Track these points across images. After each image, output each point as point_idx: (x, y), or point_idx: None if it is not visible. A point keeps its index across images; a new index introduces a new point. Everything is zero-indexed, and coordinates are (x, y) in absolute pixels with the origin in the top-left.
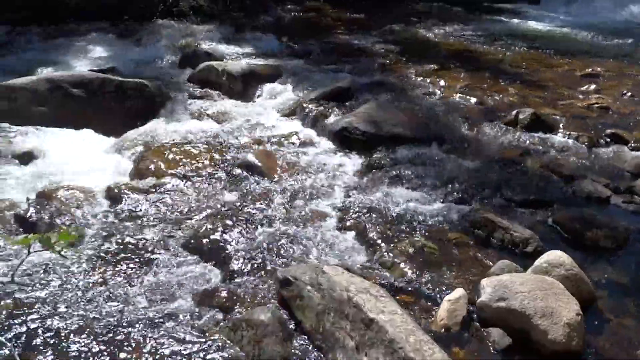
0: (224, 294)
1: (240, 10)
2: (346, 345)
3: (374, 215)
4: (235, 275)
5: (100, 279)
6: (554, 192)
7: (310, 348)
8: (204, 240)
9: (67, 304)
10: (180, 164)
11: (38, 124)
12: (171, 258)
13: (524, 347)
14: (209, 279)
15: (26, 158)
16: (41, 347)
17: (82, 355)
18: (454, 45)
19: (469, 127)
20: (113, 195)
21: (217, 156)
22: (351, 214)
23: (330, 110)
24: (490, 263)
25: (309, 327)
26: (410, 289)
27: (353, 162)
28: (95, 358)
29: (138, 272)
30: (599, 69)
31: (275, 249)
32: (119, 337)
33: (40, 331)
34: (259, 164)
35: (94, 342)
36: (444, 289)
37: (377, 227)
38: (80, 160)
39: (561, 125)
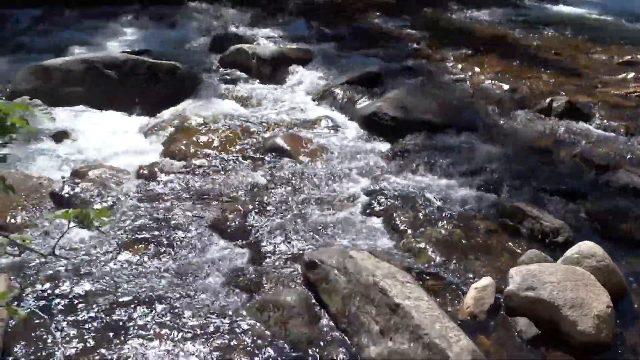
0: (250, 274)
1: None
2: (371, 330)
3: (401, 201)
4: (262, 257)
5: (130, 257)
6: (587, 182)
7: (335, 331)
8: (232, 222)
9: (98, 279)
10: (209, 145)
11: (72, 104)
12: (199, 238)
13: (551, 338)
14: (236, 259)
15: (61, 137)
16: (73, 319)
17: (110, 328)
18: (486, 31)
19: (500, 115)
20: (144, 175)
21: (245, 139)
22: (379, 199)
23: (359, 95)
24: (519, 252)
25: (334, 310)
26: (436, 275)
27: (381, 148)
28: (123, 332)
29: (167, 250)
30: (638, 56)
31: (301, 232)
32: (146, 314)
33: (73, 304)
34: (287, 147)
35: (122, 317)
36: (470, 276)
37: (405, 213)
38: (113, 140)
39: (597, 114)
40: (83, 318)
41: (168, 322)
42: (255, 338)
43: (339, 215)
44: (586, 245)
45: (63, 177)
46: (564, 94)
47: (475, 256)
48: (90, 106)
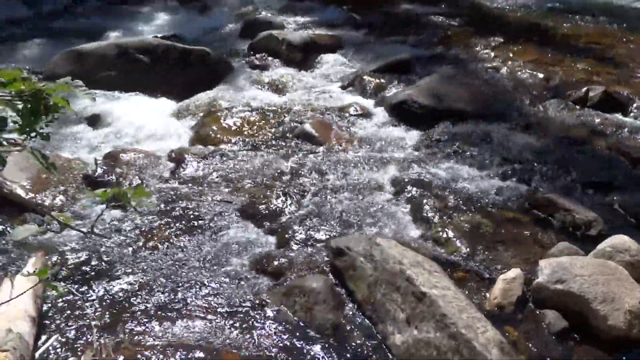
0: (277, 259)
1: None
2: (397, 318)
3: (429, 190)
4: (289, 242)
5: (159, 238)
6: (622, 175)
7: (360, 318)
8: (260, 207)
9: (129, 259)
10: (239, 131)
11: (105, 88)
12: (227, 222)
13: (580, 331)
14: (263, 244)
15: (94, 120)
16: (104, 297)
17: (139, 307)
18: (521, 17)
19: (534, 104)
20: (174, 160)
21: (274, 125)
22: (407, 187)
23: (389, 83)
24: (549, 244)
25: (360, 297)
26: (464, 265)
27: (411, 136)
28: (151, 311)
29: (195, 234)
30: None
31: (329, 219)
32: (174, 295)
33: (104, 282)
34: (316, 134)
35: (151, 297)
36: (499, 267)
37: (433, 202)
38: (144, 124)
39: (634, 105)
40: (114, 296)
41: (195, 304)
42: (280, 323)
43: (366, 202)
44: (620, 239)
45: (96, 160)
46: (600, 83)
47: (503, 247)
48: (122, 90)
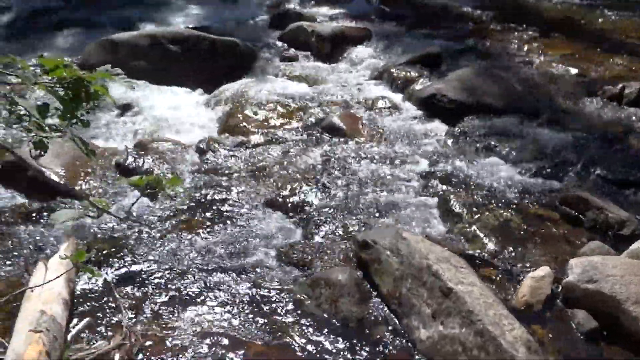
0: (303, 251)
1: None
2: (422, 312)
3: (457, 185)
4: (315, 234)
5: (187, 227)
6: None
7: (385, 312)
8: (286, 198)
9: (158, 246)
10: (266, 122)
11: (137, 78)
12: (254, 212)
13: (611, 333)
14: (289, 235)
15: (125, 109)
16: (133, 282)
17: (167, 294)
18: (556, 11)
19: (566, 100)
20: (202, 149)
21: (302, 116)
22: (434, 182)
23: (418, 76)
24: (580, 243)
25: (385, 291)
26: (491, 262)
27: (439, 130)
28: (178, 299)
29: (223, 223)
30: None
31: (355, 212)
32: (201, 283)
33: (134, 268)
34: (343, 126)
35: (178, 285)
36: (527, 265)
37: (461, 197)
38: (174, 113)
39: None
40: (142, 282)
41: (221, 293)
42: (305, 314)
43: (393, 196)
44: None
45: (127, 148)
46: (637, 80)
47: (533, 245)
48: (153, 80)
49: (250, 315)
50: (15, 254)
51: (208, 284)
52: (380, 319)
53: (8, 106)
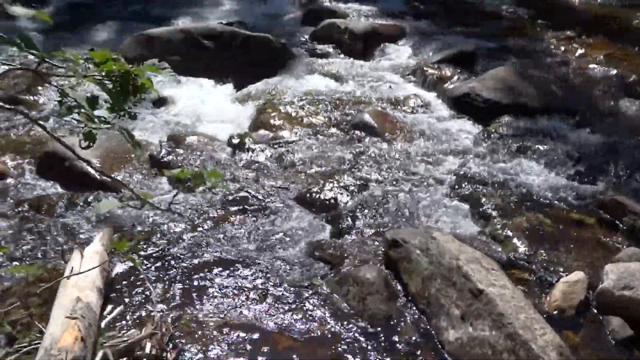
0: (332, 247)
1: None
2: (451, 313)
3: (489, 186)
4: (344, 231)
5: (219, 220)
6: None
7: (413, 311)
8: (316, 195)
9: (189, 238)
10: (298, 118)
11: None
12: (284, 208)
13: None
14: (319, 232)
15: (159, 103)
16: (165, 272)
17: (198, 285)
18: (593, 9)
19: (605, 102)
20: (234, 145)
21: (333, 114)
22: (465, 182)
23: (451, 75)
24: (616, 249)
25: (414, 290)
26: (523, 265)
27: (472, 130)
28: (209, 291)
29: (254, 217)
30: None
31: (385, 210)
32: (231, 276)
33: (166, 259)
34: (375, 124)
35: (209, 276)
36: (560, 270)
37: (492, 198)
38: (207, 108)
39: None
40: (174, 273)
41: (250, 285)
42: (332, 310)
43: (423, 195)
44: None
45: (161, 141)
46: None
47: (566, 249)
48: (187, 74)
49: (279, 309)
50: (53, 242)
51: (238, 277)
52: (408, 318)
53: (59, 98)
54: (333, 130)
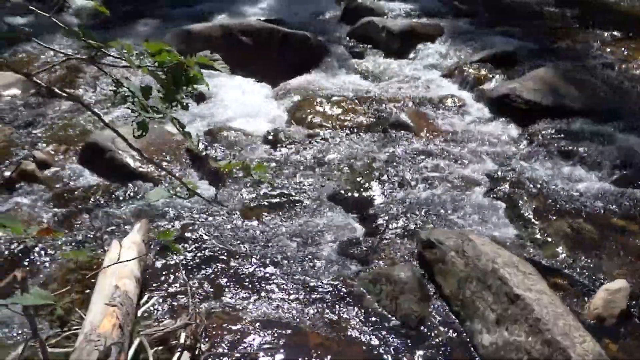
0: (365, 246)
1: None
2: (486, 317)
3: (528, 189)
4: (378, 230)
5: (254, 216)
6: None
7: (447, 313)
8: (350, 193)
9: (224, 232)
10: (333, 116)
11: (210, 68)
12: (319, 206)
13: None
14: (352, 230)
15: (197, 98)
16: (200, 265)
17: (232, 279)
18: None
19: None
20: (270, 141)
21: (369, 112)
22: (503, 184)
23: (490, 75)
24: None
25: (448, 292)
26: (562, 271)
27: (511, 132)
28: (241, 285)
29: (288, 214)
30: None
31: (419, 210)
32: (264, 270)
33: (201, 251)
34: (411, 124)
35: (243, 271)
36: (601, 277)
37: (531, 201)
38: (243, 104)
39: None
40: (208, 265)
41: (284, 281)
42: (364, 309)
43: (460, 196)
44: None
45: (198, 136)
46: None
47: (608, 256)
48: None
49: (311, 306)
50: (92, 231)
51: (272, 272)
52: (441, 320)
53: (114, 87)
54: (369, 128)
